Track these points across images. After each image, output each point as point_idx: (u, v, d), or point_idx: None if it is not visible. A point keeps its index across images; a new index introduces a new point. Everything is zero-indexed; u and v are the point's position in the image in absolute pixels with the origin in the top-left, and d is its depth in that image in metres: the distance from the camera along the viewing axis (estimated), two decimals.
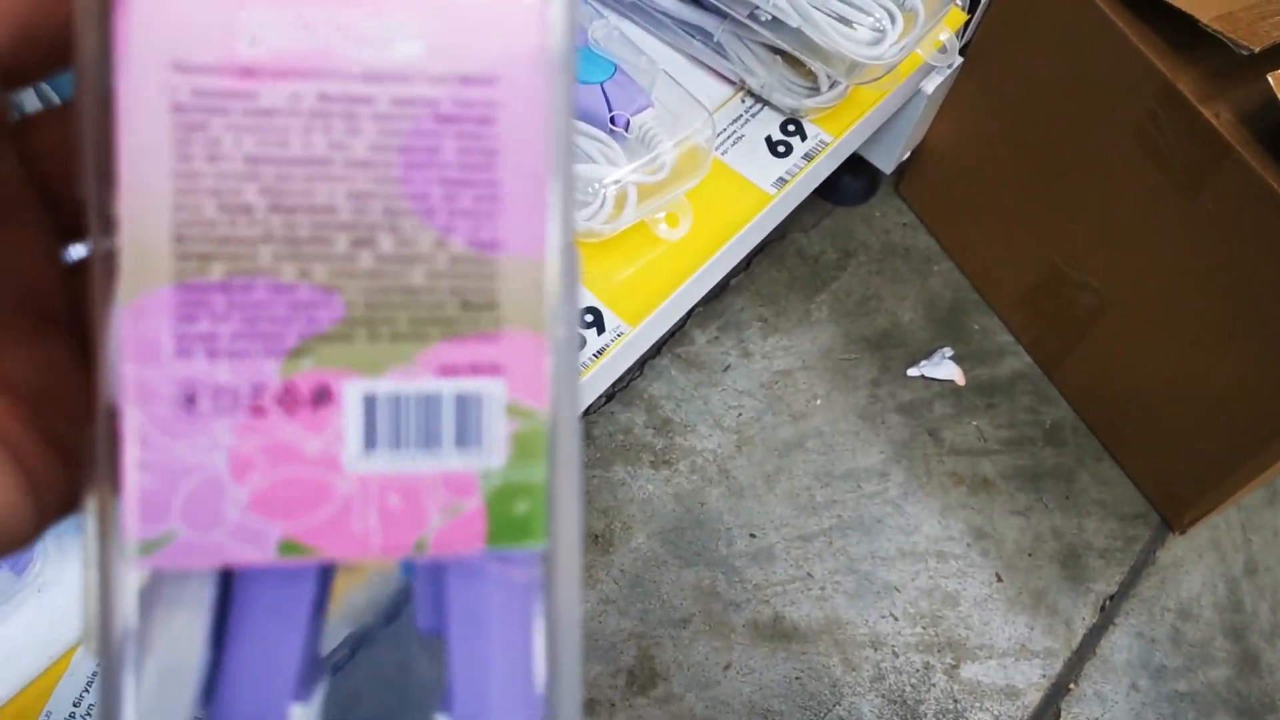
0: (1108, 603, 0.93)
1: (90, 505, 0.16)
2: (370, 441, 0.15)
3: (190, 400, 0.15)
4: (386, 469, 0.15)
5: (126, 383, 0.15)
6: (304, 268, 0.15)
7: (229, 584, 0.16)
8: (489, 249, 0.15)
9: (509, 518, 0.15)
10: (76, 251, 0.18)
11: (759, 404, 0.97)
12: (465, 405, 0.15)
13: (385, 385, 0.15)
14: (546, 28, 0.15)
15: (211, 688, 0.16)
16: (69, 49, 0.15)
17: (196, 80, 0.14)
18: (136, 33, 0.14)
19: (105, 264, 0.15)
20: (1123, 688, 0.90)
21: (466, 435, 0.15)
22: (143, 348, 0.15)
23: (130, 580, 0.15)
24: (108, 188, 0.14)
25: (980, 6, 0.87)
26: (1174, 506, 0.95)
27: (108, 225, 0.14)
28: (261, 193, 0.15)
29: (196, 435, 0.15)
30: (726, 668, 0.85)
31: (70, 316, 0.18)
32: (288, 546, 0.15)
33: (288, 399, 0.15)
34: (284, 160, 0.15)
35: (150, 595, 0.16)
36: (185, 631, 0.16)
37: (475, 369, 0.15)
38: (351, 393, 0.15)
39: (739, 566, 0.90)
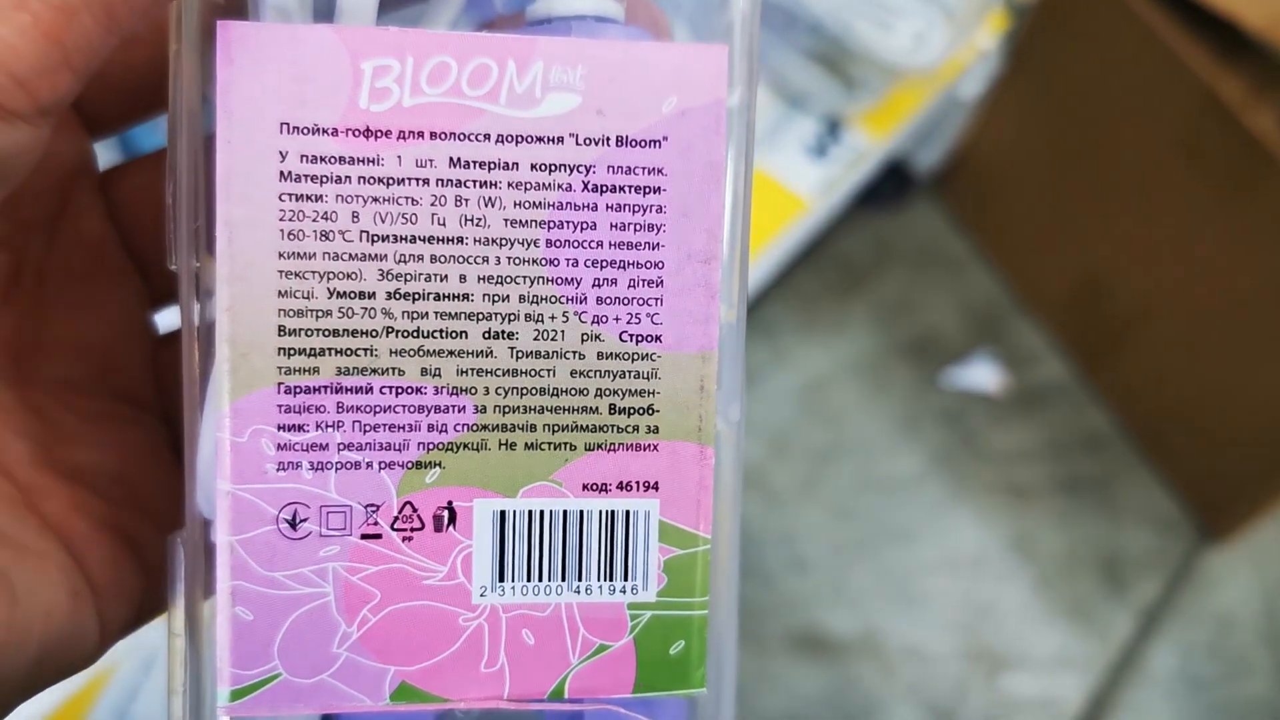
0: (1146, 612, 0.92)
1: (176, 625, 0.13)
2: (502, 570, 0.13)
3: (294, 521, 0.12)
4: (520, 601, 0.13)
5: (221, 501, 0.12)
6: (429, 365, 0.12)
7: None
8: (648, 343, 0.13)
9: (662, 659, 0.13)
10: (166, 318, 0.16)
11: (795, 410, 0.95)
12: (614, 529, 0.13)
13: (521, 504, 0.13)
14: (727, 79, 0.12)
15: None
16: (161, 93, 0.12)
17: (308, 143, 0.12)
18: (239, 84, 0.12)
19: (199, 345, 0.12)
20: (1161, 698, 0.88)
21: (614, 563, 0.13)
22: (240, 462, 0.12)
23: None
24: (202, 267, 0.12)
25: (1024, 13, 0.86)
26: (1214, 514, 0.94)
27: (202, 306, 0.12)
28: (381, 276, 0.12)
29: (301, 562, 0.12)
30: (762, 679, 0.84)
31: (156, 396, 0.16)
32: (403, 691, 0.13)
33: (407, 521, 0.13)
34: (408, 238, 0.12)
35: None
36: None
37: (626, 486, 0.13)
38: (481, 513, 0.13)
39: (774, 575, 0.88)
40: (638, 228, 0.13)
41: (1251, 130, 0.70)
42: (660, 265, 0.13)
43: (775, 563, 0.88)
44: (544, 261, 0.13)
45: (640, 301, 0.13)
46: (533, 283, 0.13)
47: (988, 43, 0.75)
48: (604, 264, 0.13)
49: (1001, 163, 0.97)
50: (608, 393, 0.13)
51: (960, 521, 0.93)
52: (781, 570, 0.88)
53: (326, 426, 0.12)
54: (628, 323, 0.13)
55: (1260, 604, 0.93)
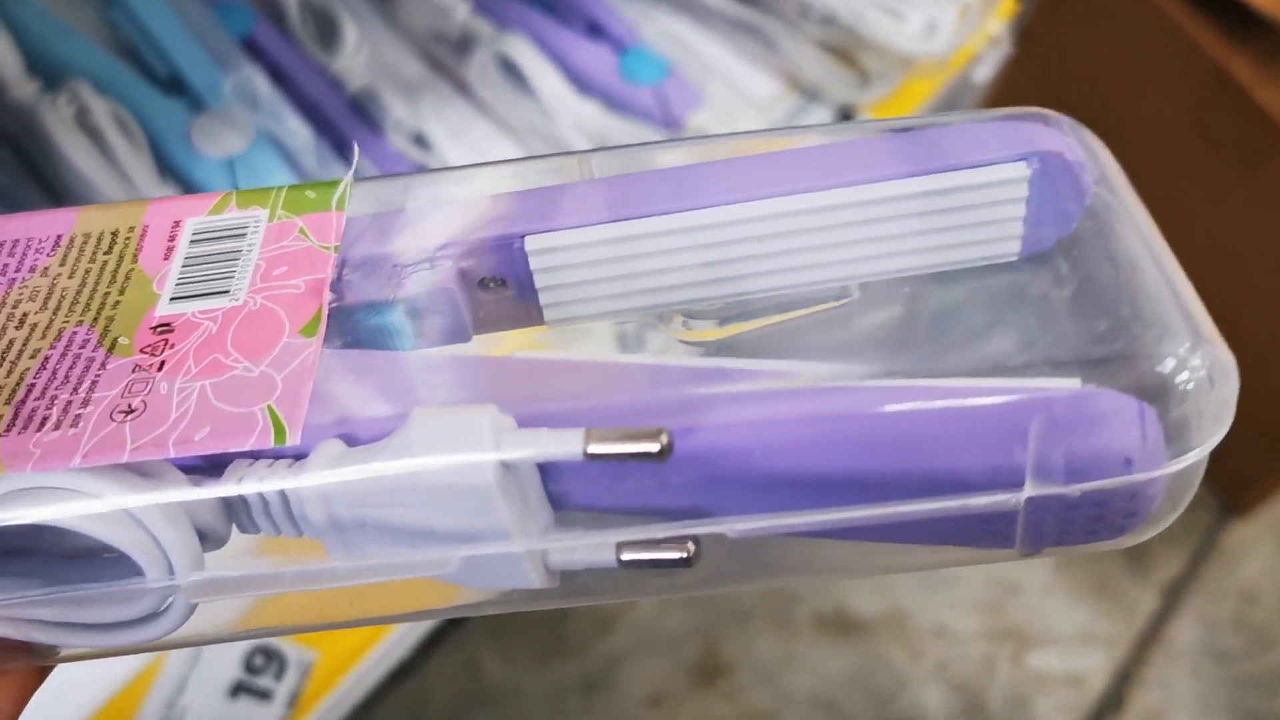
0: (1170, 587, 0.92)
1: None
2: None
3: None
4: None
5: None
6: None
7: None
8: None
9: None
10: None
11: None
12: None
13: None
14: None
15: None
16: None
17: None
18: None
19: None
20: (1187, 673, 0.89)
21: None
22: None
23: None
24: None
25: None
26: (1235, 489, 0.94)
27: None
28: None
29: None
30: (790, 660, 0.85)
31: None
32: None
33: None
34: None
35: None
36: None
37: None
38: None
39: None
40: None
41: (1264, 106, 0.71)
42: None
43: None
44: None
45: None
46: None
47: (998, 27, 0.75)
48: None
49: None
50: None
51: None
52: None
53: None
54: None
55: None
